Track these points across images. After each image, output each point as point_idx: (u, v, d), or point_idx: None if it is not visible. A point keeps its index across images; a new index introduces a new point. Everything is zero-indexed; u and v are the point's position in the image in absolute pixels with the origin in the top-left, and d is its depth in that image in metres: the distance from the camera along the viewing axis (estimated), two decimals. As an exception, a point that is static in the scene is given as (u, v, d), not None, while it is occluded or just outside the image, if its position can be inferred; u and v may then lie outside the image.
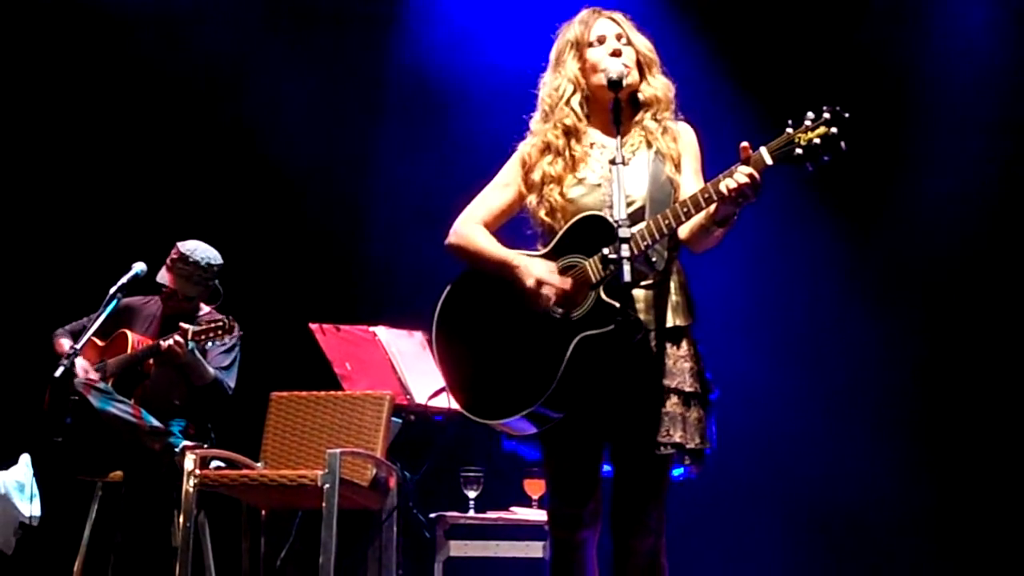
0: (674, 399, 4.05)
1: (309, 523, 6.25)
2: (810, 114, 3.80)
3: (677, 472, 4.08)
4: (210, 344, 6.48)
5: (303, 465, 6.23)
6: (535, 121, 4.30)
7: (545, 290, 4.04)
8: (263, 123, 8.01)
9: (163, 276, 6.69)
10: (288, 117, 8.04)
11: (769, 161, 3.82)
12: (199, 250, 6.71)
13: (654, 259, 4.04)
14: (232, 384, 6.71)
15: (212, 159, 8.08)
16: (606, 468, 4.14)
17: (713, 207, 3.92)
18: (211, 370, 6.60)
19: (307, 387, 6.57)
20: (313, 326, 6.80)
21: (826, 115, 3.78)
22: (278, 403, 6.52)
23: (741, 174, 3.82)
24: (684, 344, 4.10)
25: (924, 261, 7.44)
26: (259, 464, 6.36)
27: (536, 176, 4.21)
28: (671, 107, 4.23)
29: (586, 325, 3.98)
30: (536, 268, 4.08)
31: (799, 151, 3.78)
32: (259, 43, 8.06)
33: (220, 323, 6.39)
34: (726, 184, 3.84)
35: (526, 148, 4.28)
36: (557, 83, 4.25)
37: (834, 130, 3.76)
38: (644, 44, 4.24)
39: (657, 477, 4.06)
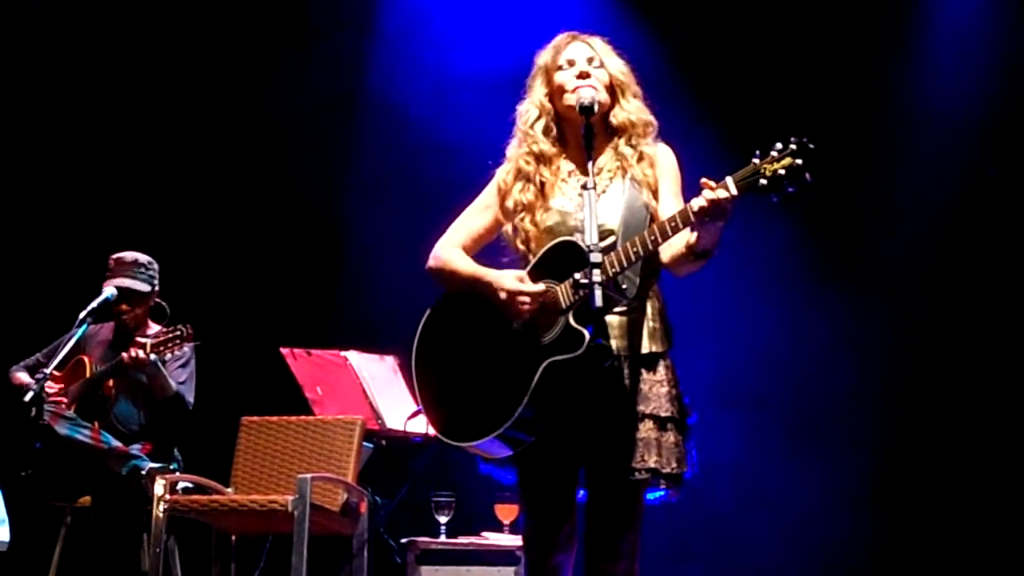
0: (649, 424, 4.04)
1: (280, 548, 6.23)
2: (777, 144, 3.79)
3: (655, 496, 4.08)
4: (169, 356, 6.46)
5: (273, 490, 6.20)
6: (511, 147, 4.30)
7: (521, 298, 4.04)
8: (235, 143, 8.00)
9: (111, 284, 6.64)
10: (261, 137, 8.03)
11: (734, 191, 3.81)
12: (129, 252, 6.71)
13: (624, 286, 4.03)
14: (191, 399, 6.68)
15: (181, 182, 8.06)
16: (581, 492, 4.14)
17: (693, 236, 3.93)
18: (172, 383, 6.57)
19: (278, 411, 6.55)
20: (284, 350, 6.80)
21: (792, 146, 3.78)
22: (248, 427, 6.50)
23: (705, 196, 3.81)
24: (660, 369, 4.10)
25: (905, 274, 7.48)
26: (229, 489, 6.34)
27: (510, 204, 4.22)
28: (648, 131, 4.21)
29: (555, 350, 3.99)
30: (507, 280, 4.09)
31: (764, 182, 3.78)
32: (233, 57, 8.06)
33: (178, 332, 6.36)
34: (693, 205, 3.83)
35: (501, 174, 4.29)
36: (525, 108, 4.27)
37: (799, 161, 3.76)
38: (618, 67, 4.22)
39: (631, 502, 4.06)
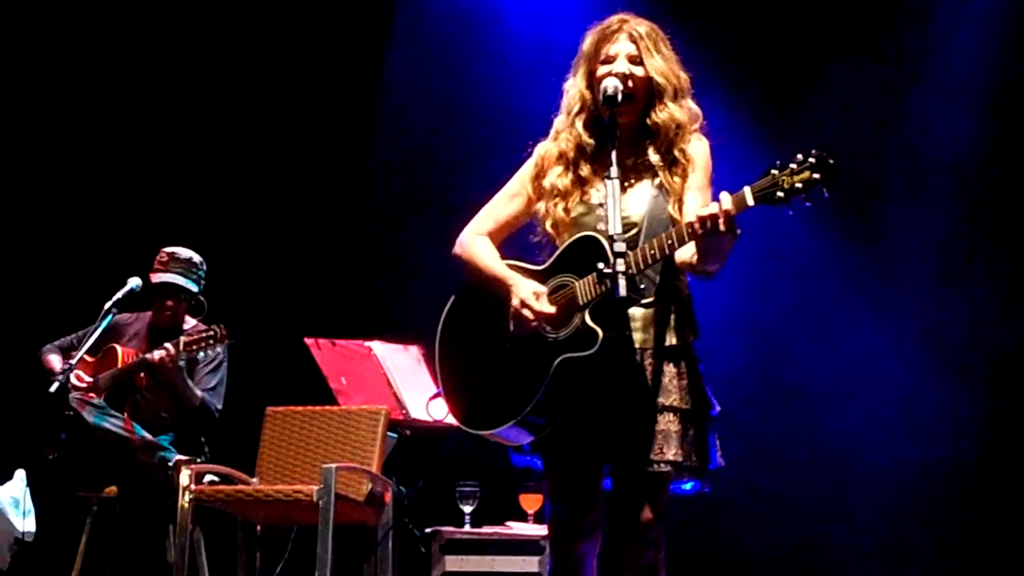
0: (669, 416, 4.04)
1: (305, 538, 6.24)
2: (797, 156, 3.77)
3: (687, 487, 4.08)
4: (202, 355, 6.49)
5: (298, 480, 6.21)
6: (559, 120, 4.27)
7: (525, 312, 4.05)
8: (260, 136, 8.02)
9: (159, 277, 6.70)
10: (284, 130, 8.04)
11: (751, 202, 3.79)
12: (183, 249, 6.75)
13: (643, 286, 4.03)
14: (219, 405, 6.73)
15: (207, 172, 8.09)
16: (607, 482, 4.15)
17: (693, 253, 3.94)
18: (198, 393, 6.62)
19: (302, 402, 6.56)
20: (308, 341, 6.80)
21: (811, 160, 3.75)
22: (273, 418, 6.51)
23: (704, 210, 3.80)
24: (682, 362, 4.09)
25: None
26: (254, 479, 6.35)
27: (546, 184, 4.21)
28: (684, 135, 4.14)
29: (569, 347, 4.00)
30: (523, 290, 4.09)
31: (780, 194, 3.76)
32: (259, 49, 8.07)
33: (211, 332, 6.40)
34: (693, 219, 3.83)
35: (543, 149, 4.27)
36: (572, 93, 4.23)
37: (817, 176, 3.73)
38: (661, 68, 4.14)
39: (654, 494, 4.05)
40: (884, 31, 7.56)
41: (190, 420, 6.66)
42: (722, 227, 3.78)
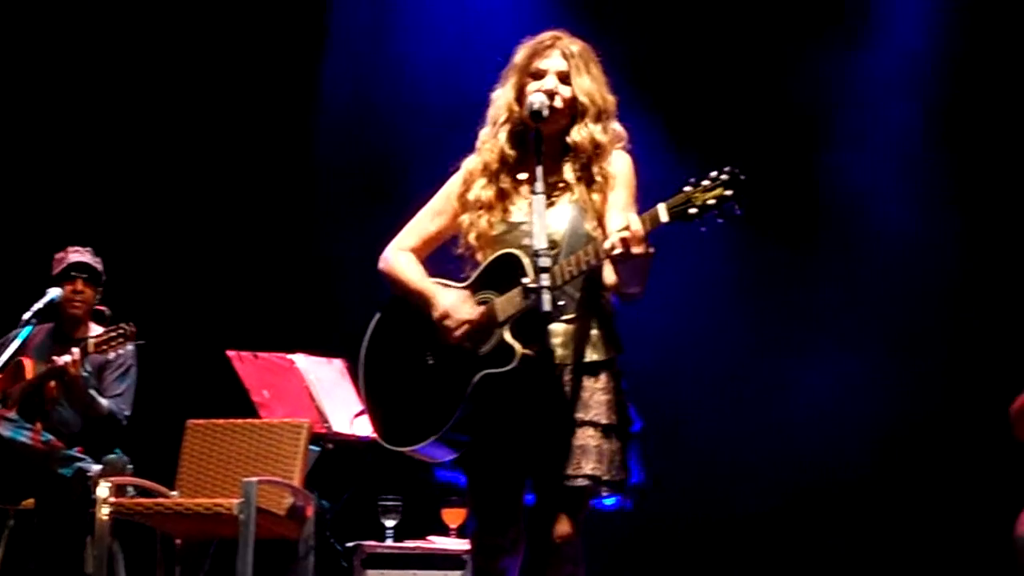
0: (589, 431, 4.05)
1: (225, 552, 6.20)
2: (711, 173, 3.81)
3: (609, 502, 4.10)
4: (112, 355, 6.43)
5: (219, 494, 6.17)
6: (484, 131, 4.29)
7: (448, 322, 4.07)
8: (186, 139, 7.96)
9: (68, 260, 6.62)
10: (212, 134, 7.99)
11: (665, 218, 3.84)
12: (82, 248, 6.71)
13: (562, 303, 4.03)
14: (128, 412, 6.66)
15: (127, 178, 8.00)
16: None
17: (613, 276, 3.99)
18: (104, 403, 6.56)
19: (224, 415, 6.52)
20: (231, 353, 6.76)
21: (723, 177, 3.80)
22: (194, 431, 6.47)
23: (615, 236, 3.84)
24: (603, 377, 4.10)
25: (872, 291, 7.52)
26: (174, 492, 6.31)
27: (471, 196, 4.22)
28: (604, 155, 4.15)
29: (488, 363, 4.01)
30: (445, 299, 4.10)
31: (694, 210, 3.81)
32: (190, 50, 8.01)
33: (120, 331, 6.33)
34: (608, 245, 3.86)
35: (470, 164, 4.28)
36: (499, 104, 4.24)
37: (729, 192, 3.78)
38: (587, 88, 4.16)
39: (573, 508, 4.07)
40: (811, 49, 7.63)
41: (97, 429, 6.58)
42: (635, 248, 3.81)
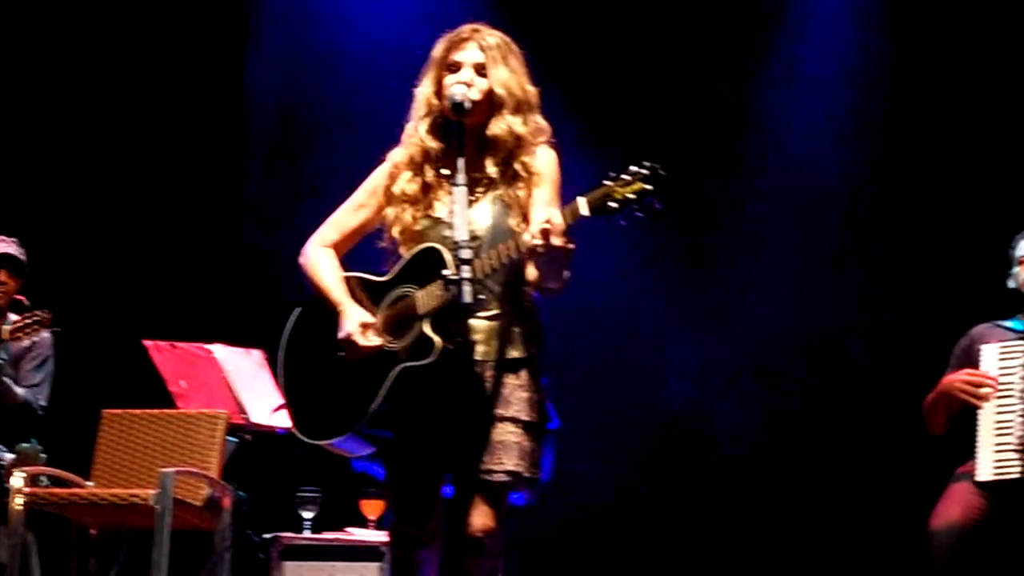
0: (509, 427, 4.07)
1: (141, 544, 6.16)
2: (631, 167, 3.84)
3: (516, 498, 4.13)
4: (27, 342, 6.37)
5: (135, 484, 6.13)
6: (408, 126, 4.28)
7: (348, 348, 4.09)
8: (102, 130, 7.87)
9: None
10: (129, 121, 7.91)
11: (585, 212, 3.86)
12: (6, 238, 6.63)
13: (482, 297, 4.05)
14: (44, 403, 6.60)
15: (43, 162, 7.89)
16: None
17: (533, 272, 4.02)
18: (20, 392, 6.50)
19: (140, 405, 6.47)
20: (148, 343, 6.72)
21: (643, 171, 3.82)
22: (110, 420, 6.41)
23: (532, 233, 3.86)
24: (524, 374, 4.12)
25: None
26: (89, 483, 6.26)
27: (396, 190, 4.22)
28: (525, 148, 4.16)
29: (407, 356, 4.03)
30: (350, 322, 4.11)
31: (613, 204, 3.83)
32: (107, 38, 7.93)
33: (36, 317, 6.27)
34: (528, 238, 3.88)
35: (396, 157, 4.28)
36: (420, 99, 4.25)
37: (649, 187, 3.81)
38: (504, 80, 4.16)
39: (494, 503, 4.08)
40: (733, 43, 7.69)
41: (11, 418, 6.52)
42: (555, 241, 3.82)
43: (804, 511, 7.39)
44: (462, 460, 4.08)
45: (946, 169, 7.45)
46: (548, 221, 3.84)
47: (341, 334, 4.10)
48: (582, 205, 3.86)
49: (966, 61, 7.43)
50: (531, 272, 4.08)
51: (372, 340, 4.07)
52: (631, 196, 3.81)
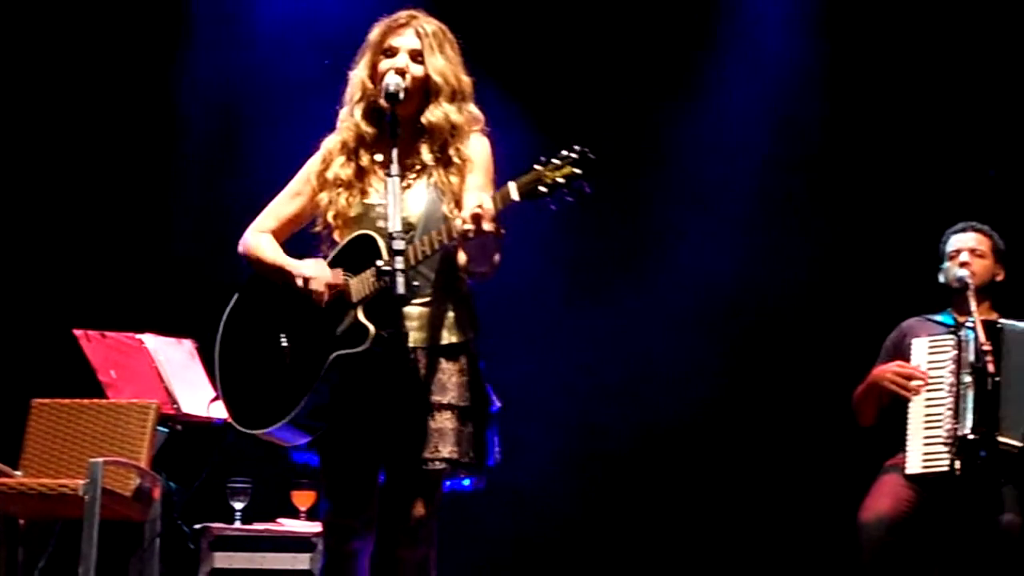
0: (447, 414, 4.08)
1: (70, 534, 6.12)
2: (561, 152, 3.86)
3: (465, 483, 4.15)
4: None
5: (64, 474, 6.09)
6: (342, 111, 4.29)
7: (314, 285, 4.07)
8: (30, 118, 7.79)
9: None
10: (59, 111, 7.83)
11: (516, 196, 3.88)
12: None
13: (416, 283, 4.06)
14: None
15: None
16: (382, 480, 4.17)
17: (463, 256, 4.05)
18: None
19: (70, 394, 6.42)
20: (78, 332, 6.66)
21: (573, 155, 3.85)
22: (39, 410, 6.36)
23: (463, 218, 3.87)
24: (461, 359, 4.14)
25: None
26: (18, 472, 6.20)
27: (330, 175, 4.22)
28: (460, 136, 4.18)
29: (342, 343, 4.03)
30: (305, 268, 4.11)
31: (544, 188, 3.85)
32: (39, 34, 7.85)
33: None
34: (458, 222, 3.90)
35: (329, 143, 4.28)
36: (354, 82, 4.25)
37: (578, 171, 3.83)
38: (441, 67, 4.17)
39: (428, 491, 4.09)
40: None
41: None
42: (487, 226, 3.84)
43: (728, 504, 7.46)
44: (397, 449, 4.08)
45: (876, 167, 7.51)
46: (479, 206, 3.85)
47: (300, 280, 4.08)
48: (512, 190, 3.88)
49: (897, 63, 7.51)
50: (461, 257, 4.10)
51: (337, 277, 4.06)
52: (561, 180, 3.84)
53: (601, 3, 7.76)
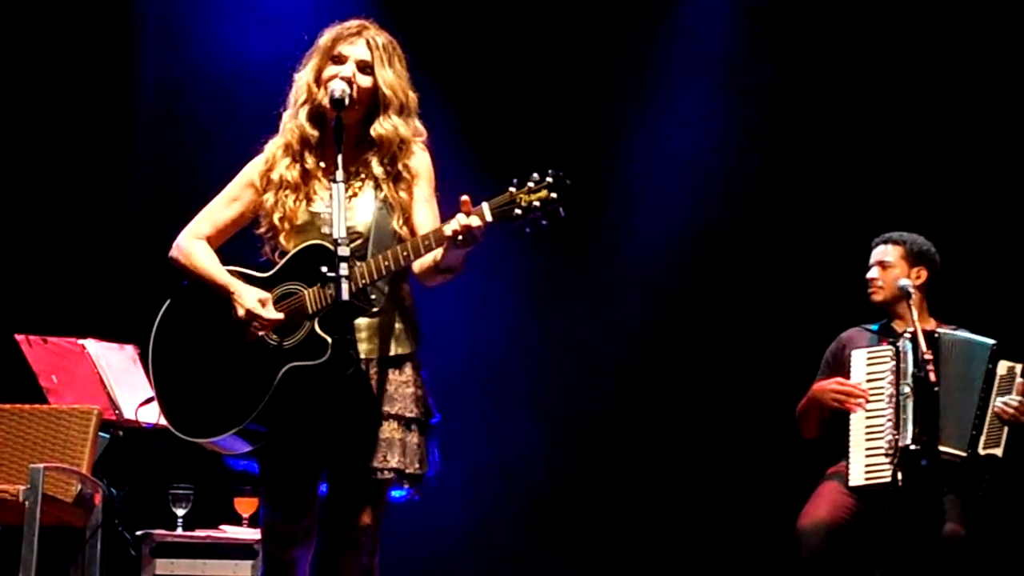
0: (393, 424, 4.10)
1: (10, 540, 6.08)
2: (535, 175, 3.87)
3: (398, 494, 4.14)
4: None
5: (4, 479, 6.04)
6: (286, 114, 4.28)
7: (256, 324, 4.04)
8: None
9: None
10: (5, 111, 7.79)
11: (489, 218, 3.88)
12: None
13: (373, 296, 4.06)
14: None
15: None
16: (323, 487, 4.16)
17: (440, 254, 4.00)
18: None
19: (11, 399, 6.38)
20: (19, 337, 6.62)
21: (548, 179, 3.86)
22: (-21, 415, 6.33)
23: (459, 221, 3.87)
24: (407, 370, 4.15)
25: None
26: (-43, 478, 6.17)
27: (275, 176, 4.20)
28: (408, 150, 4.19)
29: (297, 355, 4.01)
30: (248, 299, 4.07)
31: (518, 211, 3.86)
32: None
33: None
34: (445, 229, 3.89)
35: (273, 145, 4.27)
36: (300, 85, 4.23)
37: (554, 195, 3.84)
38: (391, 81, 4.17)
39: (375, 500, 4.10)
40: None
41: None
42: (479, 237, 3.86)
43: (667, 511, 7.50)
44: (342, 457, 4.08)
45: (810, 179, 7.55)
46: (479, 216, 3.86)
47: (240, 312, 4.05)
48: (486, 211, 3.88)
49: (840, 74, 7.56)
50: (424, 262, 4.06)
51: (276, 314, 4.04)
52: (536, 204, 3.85)
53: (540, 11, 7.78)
